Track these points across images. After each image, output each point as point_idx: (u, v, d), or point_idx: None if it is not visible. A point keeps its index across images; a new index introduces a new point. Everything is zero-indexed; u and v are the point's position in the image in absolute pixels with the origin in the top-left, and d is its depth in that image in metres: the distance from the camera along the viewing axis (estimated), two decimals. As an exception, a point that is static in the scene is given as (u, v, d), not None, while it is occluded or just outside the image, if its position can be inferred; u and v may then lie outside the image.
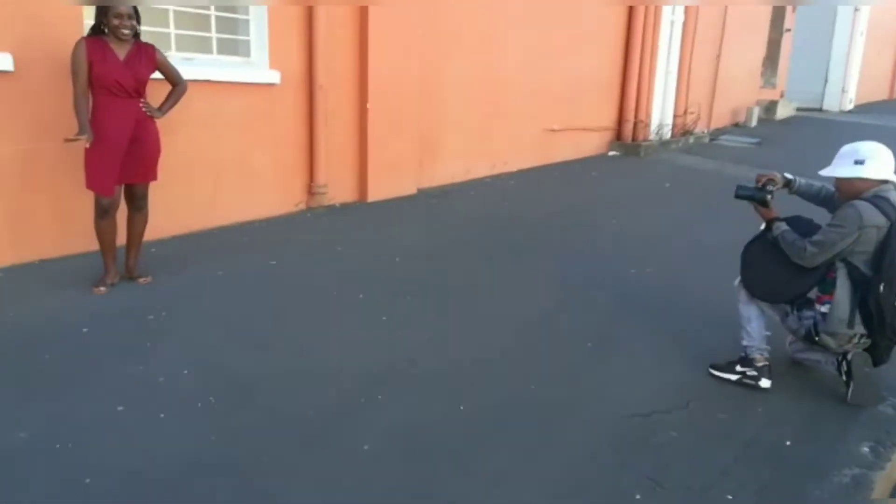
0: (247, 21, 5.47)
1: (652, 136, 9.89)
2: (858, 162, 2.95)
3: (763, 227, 3.22)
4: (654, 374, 3.28)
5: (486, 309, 4.02)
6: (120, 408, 2.76)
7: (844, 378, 3.04)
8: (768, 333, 3.23)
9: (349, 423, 2.74)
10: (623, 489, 2.42)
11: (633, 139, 9.62)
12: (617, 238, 5.53)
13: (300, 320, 3.73)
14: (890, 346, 3.05)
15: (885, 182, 2.95)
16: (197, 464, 2.44)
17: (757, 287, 3.20)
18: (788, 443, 2.73)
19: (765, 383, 3.12)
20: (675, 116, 10.45)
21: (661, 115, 10.21)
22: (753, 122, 12.22)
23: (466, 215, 6.14)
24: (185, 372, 3.07)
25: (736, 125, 12.32)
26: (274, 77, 5.52)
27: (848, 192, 3.00)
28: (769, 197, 3.18)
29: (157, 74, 4.09)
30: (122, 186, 4.07)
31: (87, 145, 3.81)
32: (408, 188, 6.67)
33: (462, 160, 7.38)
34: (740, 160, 9.12)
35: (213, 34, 5.30)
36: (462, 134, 7.31)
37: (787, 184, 3.29)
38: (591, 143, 9.15)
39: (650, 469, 2.52)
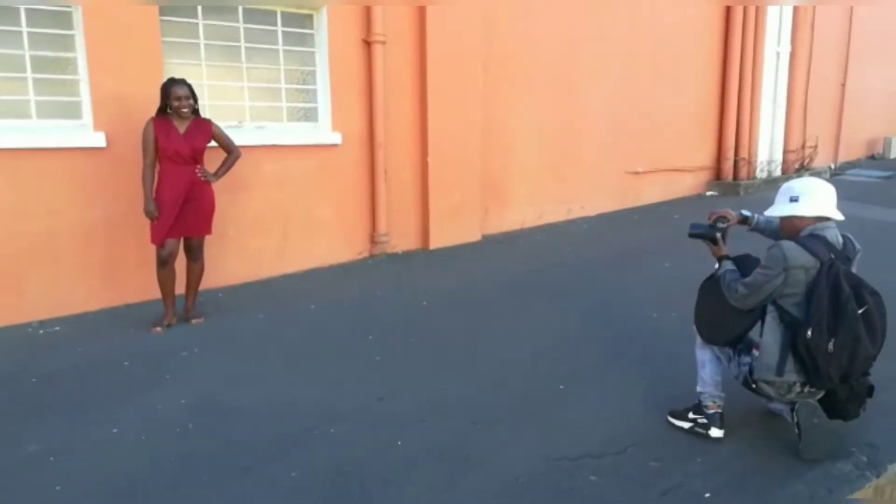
0: (315, 90, 6.13)
1: (759, 174, 9.40)
2: (793, 199, 2.85)
3: (716, 265, 3.14)
4: (611, 419, 3.28)
5: (483, 351, 4.18)
6: (115, 430, 3.28)
7: (796, 430, 2.86)
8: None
9: (292, 453, 3.04)
10: (509, 528, 2.51)
11: (735, 178, 9.21)
12: (658, 283, 5.43)
13: (304, 359, 4.12)
14: (854, 398, 2.85)
15: (825, 219, 2.82)
16: (146, 481, 2.86)
17: (700, 327, 3.12)
18: (707, 495, 2.65)
19: (715, 432, 3.02)
20: (786, 151, 9.84)
21: (769, 150, 9.68)
22: (893, 154, 11.12)
23: (519, 261, 6.30)
24: (182, 402, 3.57)
25: (872, 157, 11.30)
26: (336, 139, 6.11)
27: (788, 230, 2.89)
28: (718, 235, 3.11)
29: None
30: (181, 240, 4.75)
31: (153, 220, 4.54)
32: (471, 235, 6.96)
33: (533, 206, 7.55)
34: (856, 197, 8.40)
35: (284, 103, 6.00)
36: (531, 179, 7.51)
37: (745, 220, 3.20)
38: (684, 184, 8.90)
39: (547, 512, 2.58)
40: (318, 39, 6.03)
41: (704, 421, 3.05)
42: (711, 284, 3.12)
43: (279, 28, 5.84)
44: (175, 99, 4.53)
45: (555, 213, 7.73)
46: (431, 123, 6.55)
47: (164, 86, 4.58)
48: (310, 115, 6.15)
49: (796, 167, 9.90)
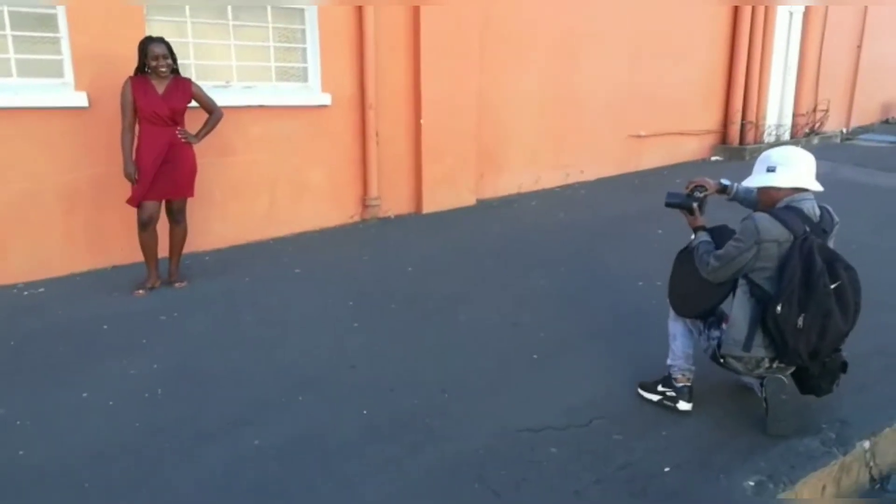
0: (304, 49, 5.99)
1: (766, 138, 9.18)
2: (770, 169, 2.75)
3: (692, 236, 3.05)
4: (580, 391, 3.23)
5: (463, 320, 4.13)
6: (84, 394, 3.29)
7: (764, 405, 2.81)
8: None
9: (256, 421, 3.03)
10: (463, 500, 2.48)
11: (742, 142, 9.00)
12: (648, 250, 5.30)
13: (281, 325, 4.09)
14: (827, 373, 2.78)
15: (802, 190, 2.72)
16: (109, 447, 2.85)
17: (673, 298, 3.07)
18: (667, 469, 2.61)
19: (683, 405, 2.98)
20: (795, 115, 9.59)
21: (778, 114, 9.44)
22: (909, 117, 10.83)
23: (510, 226, 6.20)
24: (155, 367, 3.56)
25: (886, 122, 10.99)
26: (325, 99, 6.00)
27: (765, 201, 2.79)
28: (695, 204, 3.03)
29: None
30: (163, 203, 4.70)
31: (133, 183, 4.48)
32: (466, 199, 6.86)
33: (530, 170, 7.43)
34: (865, 162, 8.20)
35: (273, 63, 5.88)
36: (528, 143, 7.36)
37: (724, 190, 3.11)
38: (688, 149, 8.70)
39: (502, 484, 2.55)
40: (308, -5, 5.87)
41: (673, 394, 3.00)
42: (686, 256, 3.03)
43: (267, -9, 5.68)
44: (153, 58, 4.43)
45: (552, 178, 7.60)
46: (425, 85, 6.40)
47: (142, 44, 4.47)
48: (299, 76, 6.03)
49: (806, 131, 9.66)
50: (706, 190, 3.06)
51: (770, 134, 9.21)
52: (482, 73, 6.76)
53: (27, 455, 2.81)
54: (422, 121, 6.45)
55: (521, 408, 3.09)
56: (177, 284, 4.81)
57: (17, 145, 4.79)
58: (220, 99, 5.42)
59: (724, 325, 2.89)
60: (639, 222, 6.08)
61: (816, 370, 2.76)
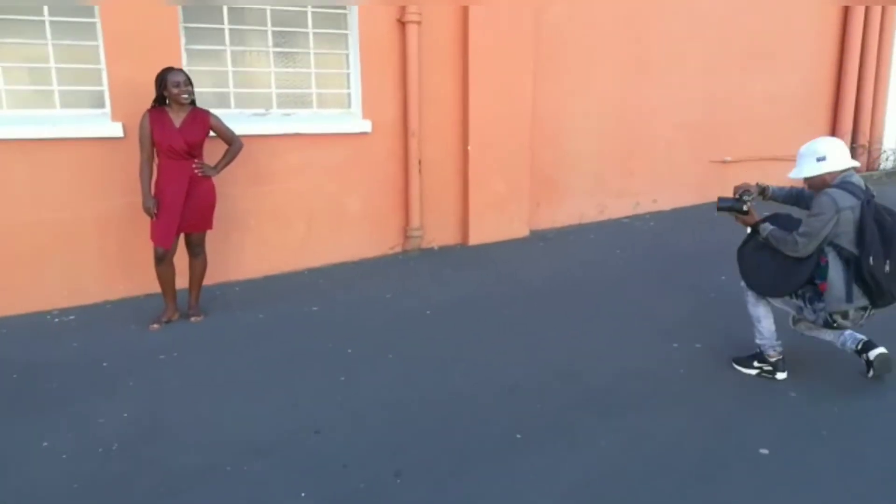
0: (347, 75, 5.83)
1: (883, 164, 8.07)
2: (821, 159, 3.30)
3: (749, 231, 3.54)
4: (552, 485, 2.77)
5: (457, 381, 3.74)
6: (45, 443, 3.21)
7: (864, 363, 3.45)
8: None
9: (190, 490, 2.82)
10: None
11: (851, 168, 7.94)
12: (701, 301, 4.70)
13: (270, 374, 3.87)
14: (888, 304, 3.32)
15: (846, 170, 3.28)
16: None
17: (761, 286, 3.51)
18: None
19: (780, 375, 3.57)
20: (921, 138, 8.38)
21: (899, 136, 8.28)
22: None
23: (556, 264, 5.72)
24: (125, 415, 3.44)
25: None
26: (366, 126, 5.79)
27: (818, 186, 3.32)
28: (745, 207, 3.46)
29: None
30: (181, 236, 4.66)
31: (152, 217, 4.47)
32: (518, 230, 6.44)
33: (594, 198, 6.89)
34: None
35: (314, 90, 5.75)
36: (592, 169, 6.83)
37: (763, 191, 3.61)
38: (783, 176, 7.73)
39: None
40: (351, 21, 5.69)
41: (769, 368, 3.58)
42: (755, 247, 3.49)
43: (308, 9, 5.55)
44: (174, 86, 4.37)
45: (620, 208, 7.00)
46: (473, 110, 6.06)
47: (160, 75, 4.43)
48: (341, 102, 5.87)
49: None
50: (752, 194, 3.50)
51: (887, 159, 8.09)
52: (537, 91, 6.32)
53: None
54: (469, 147, 6.11)
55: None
56: (193, 318, 4.75)
57: (57, 174, 4.90)
58: (258, 127, 5.40)
59: (824, 294, 3.28)
60: (703, 264, 5.42)
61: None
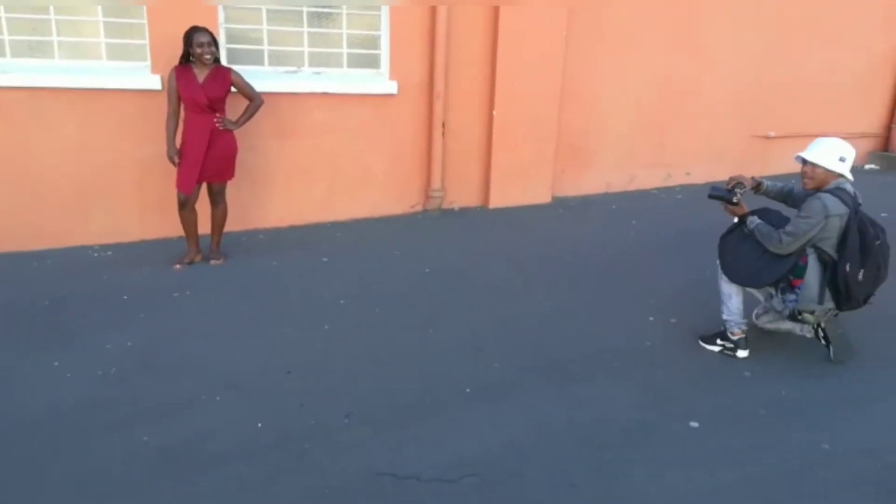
0: (378, 37, 5.99)
1: (948, 146, 7.60)
2: (842, 160, 3.33)
3: (735, 221, 3.62)
4: (483, 439, 2.97)
5: (433, 333, 3.97)
6: (55, 363, 3.65)
7: (824, 343, 3.58)
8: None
9: (163, 418, 3.16)
10: None
11: (911, 149, 7.54)
12: (705, 277, 4.68)
13: (267, 317, 4.21)
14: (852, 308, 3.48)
15: (842, 175, 3.37)
16: (34, 421, 3.14)
17: (738, 275, 3.57)
18: None
19: (741, 353, 3.65)
20: None
21: (970, 117, 7.74)
22: None
23: (570, 231, 5.79)
24: (129, 344, 3.85)
25: None
26: (392, 88, 5.97)
27: (818, 179, 3.36)
28: (735, 199, 3.53)
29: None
30: (202, 184, 5.02)
31: (175, 165, 4.84)
32: (540, 196, 6.51)
33: (623, 168, 6.86)
34: None
35: (345, 49, 5.95)
36: (624, 138, 6.79)
37: (758, 186, 3.66)
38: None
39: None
40: (383, -18, 5.82)
41: (731, 345, 3.66)
42: (738, 237, 3.57)
43: (341, -30, 5.72)
44: (197, 45, 4.69)
45: (650, 179, 6.94)
46: (500, 74, 6.12)
47: (187, 34, 4.75)
48: (372, 63, 6.04)
49: None
50: (744, 187, 3.55)
51: (953, 141, 7.61)
52: (570, 56, 6.29)
53: (-26, 415, 3.21)
54: (494, 111, 6.19)
55: (404, 450, 2.91)
56: (213, 262, 5.13)
57: (102, 121, 5.33)
58: (289, 85, 5.67)
59: (796, 289, 3.44)
60: (711, 242, 5.35)
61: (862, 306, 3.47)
